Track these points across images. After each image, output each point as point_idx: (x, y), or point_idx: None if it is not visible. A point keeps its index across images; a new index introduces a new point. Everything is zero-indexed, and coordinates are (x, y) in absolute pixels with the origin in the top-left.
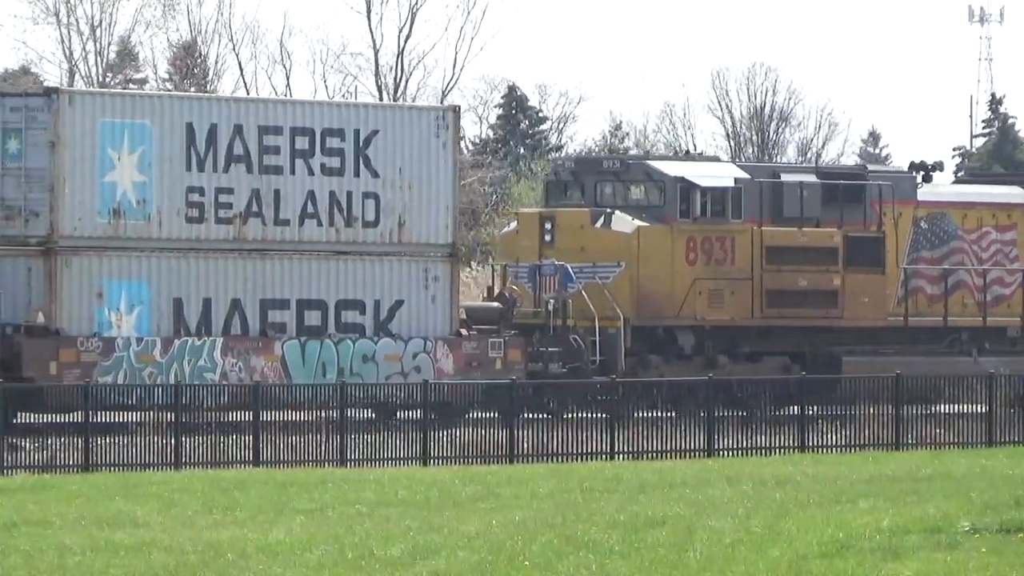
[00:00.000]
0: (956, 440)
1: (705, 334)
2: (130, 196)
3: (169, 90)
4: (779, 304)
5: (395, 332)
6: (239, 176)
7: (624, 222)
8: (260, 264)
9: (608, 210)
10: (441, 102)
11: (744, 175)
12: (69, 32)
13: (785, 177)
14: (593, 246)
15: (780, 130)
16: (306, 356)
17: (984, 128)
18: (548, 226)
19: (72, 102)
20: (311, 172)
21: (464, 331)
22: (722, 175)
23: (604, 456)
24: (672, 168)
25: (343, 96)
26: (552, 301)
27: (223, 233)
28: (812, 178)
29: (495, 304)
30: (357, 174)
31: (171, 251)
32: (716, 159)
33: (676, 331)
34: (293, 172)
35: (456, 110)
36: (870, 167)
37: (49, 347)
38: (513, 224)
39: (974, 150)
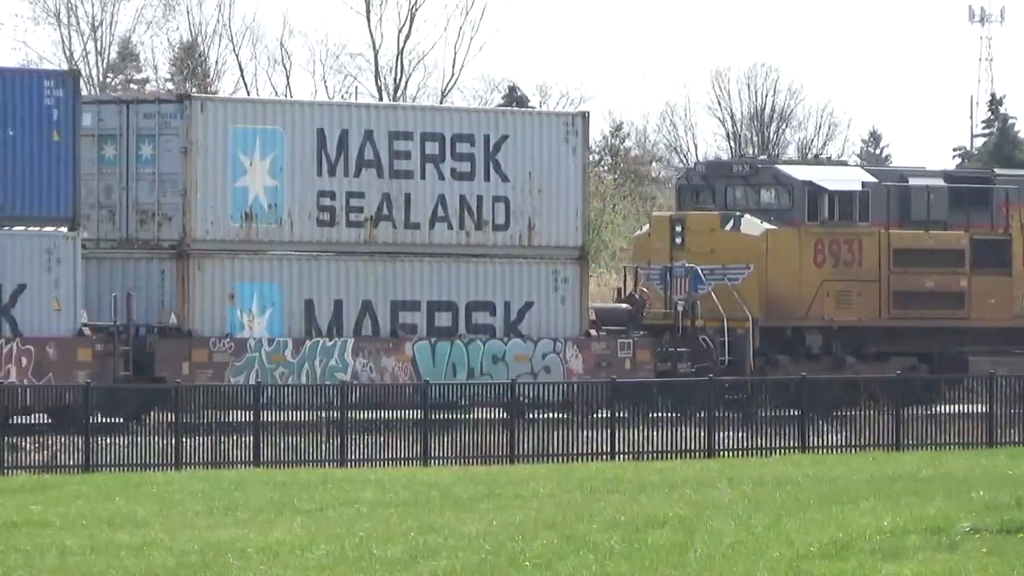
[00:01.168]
0: (956, 440)
1: (832, 334)
2: (262, 200)
3: (170, 90)
4: (906, 305)
5: (525, 333)
6: (370, 180)
7: (752, 225)
8: (391, 266)
9: (737, 213)
10: (440, 102)
11: (872, 179)
12: (70, 32)
13: (913, 181)
14: (722, 248)
15: (780, 130)
16: (436, 356)
17: (984, 128)
18: (679, 229)
19: (204, 108)
20: (441, 176)
21: (593, 332)
22: (850, 179)
23: (605, 456)
24: (800, 172)
25: (343, 97)
26: (682, 302)
27: (354, 236)
28: (939, 182)
29: (624, 305)
30: (487, 178)
31: (302, 254)
32: (844, 163)
33: (804, 331)
34: (423, 177)
35: (585, 116)
36: (997, 171)
37: (181, 348)
38: (646, 227)
39: (974, 150)
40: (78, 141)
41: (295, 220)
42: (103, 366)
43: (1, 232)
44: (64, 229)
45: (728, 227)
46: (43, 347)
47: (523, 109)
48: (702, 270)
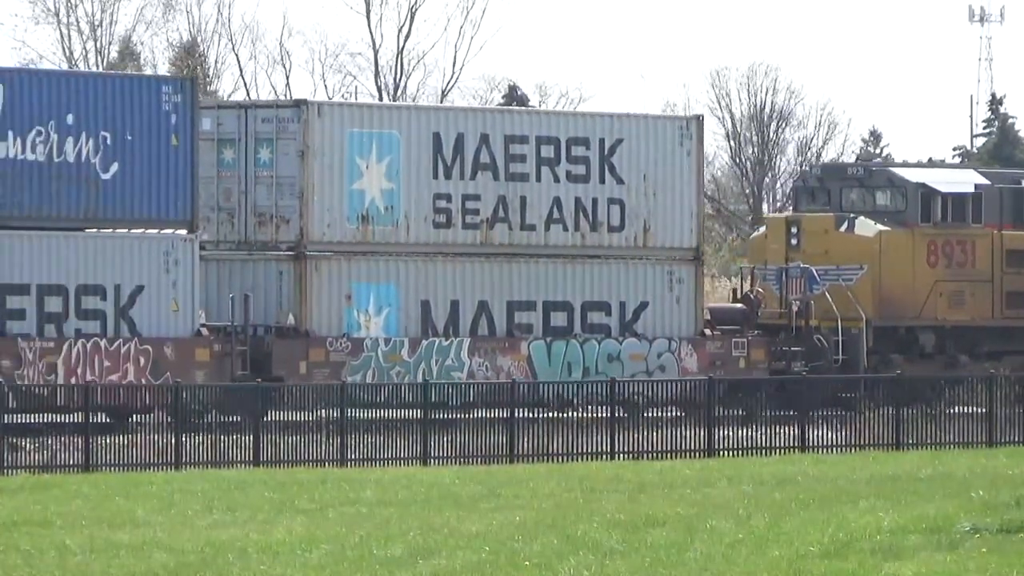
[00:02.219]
0: (956, 440)
1: (945, 334)
2: (378, 203)
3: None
4: (1019, 305)
5: (640, 332)
6: (486, 183)
7: (866, 227)
8: (507, 267)
9: (851, 215)
10: (440, 101)
11: (984, 181)
12: (69, 32)
13: None
14: (837, 249)
15: (780, 130)
16: (552, 355)
17: (984, 128)
18: (794, 230)
19: (321, 113)
20: (557, 179)
21: (708, 331)
22: (963, 181)
23: (604, 456)
24: (914, 175)
25: (343, 96)
26: (797, 302)
27: (470, 238)
28: None
29: (739, 305)
30: (602, 181)
31: (419, 255)
32: (957, 166)
33: (917, 331)
34: (539, 179)
35: (700, 120)
36: None
37: (299, 347)
38: (762, 228)
39: (974, 150)
40: (196, 145)
41: (411, 222)
42: (220, 366)
43: (120, 235)
44: (182, 231)
45: (842, 228)
46: (161, 347)
47: (638, 113)
48: (817, 270)
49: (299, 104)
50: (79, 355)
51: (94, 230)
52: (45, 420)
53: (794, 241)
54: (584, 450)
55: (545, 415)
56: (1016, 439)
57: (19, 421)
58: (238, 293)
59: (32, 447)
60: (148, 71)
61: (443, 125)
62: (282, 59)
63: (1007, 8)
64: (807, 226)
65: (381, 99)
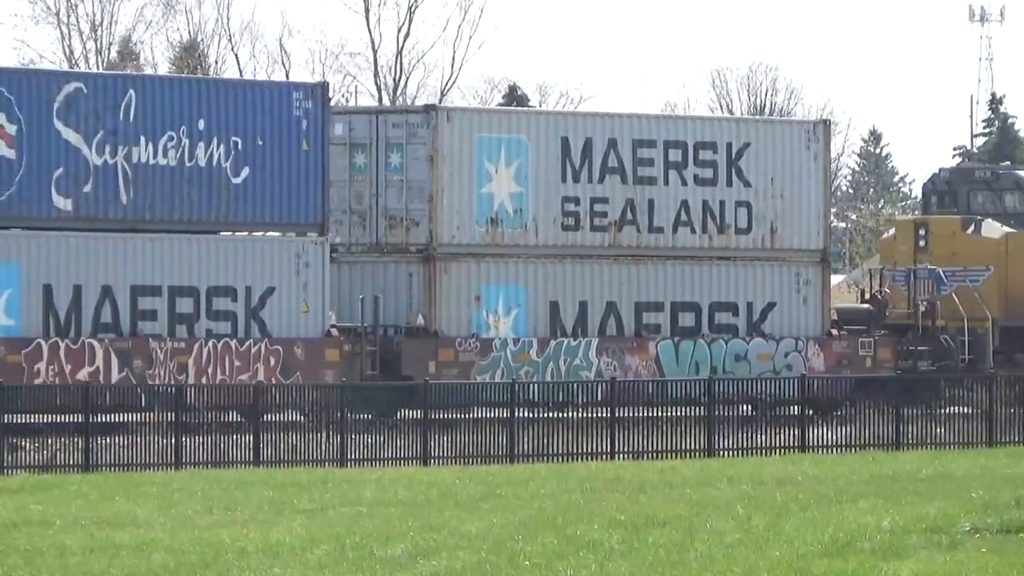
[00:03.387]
0: (956, 440)
1: None
2: (507, 206)
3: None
4: None
5: (767, 332)
6: (614, 186)
7: (993, 229)
8: (635, 269)
9: (978, 217)
10: (440, 101)
11: None
12: (69, 31)
13: None
14: (964, 251)
15: None
16: (680, 355)
17: (984, 128)
18: (922, 232)
19: (450, 118)
20: (684, 183)
21: (835, 331)
22: None
23: (604, 456)
24: None
25: (343, 97)
26: (924, 303)
27: (598, 240)
28: None
29: (866, 306)
30: (729, 184)
31: (547, 257)
32: None
33: None
34: (667, 183)
35: (827, 124)
36: None
37: (428, 347)
38: (892, 231)
39: (974, 150)
40: (327, 150)
41: (540, 225)
42: (350, 366)
43: (251, 238)
44: (313, 234)
45: (969, 231)
46: (291, 347)
47: (765, 117)
48: (944, 272)
49: (429, 110)
50: (209, 355)
51: (225, 233)
52: (45, 420)
53: (922, 243)
54: (584, 450)
55: (545, 415)
56: (1016, 439)
57: (21, 421)
58: (368, 294)
59: (32, 447)
60: (148, 71)
61: (571, 130)
62: (282, 59)
63: (1007, 8)
64: (935, 228)
65: (380, 99)
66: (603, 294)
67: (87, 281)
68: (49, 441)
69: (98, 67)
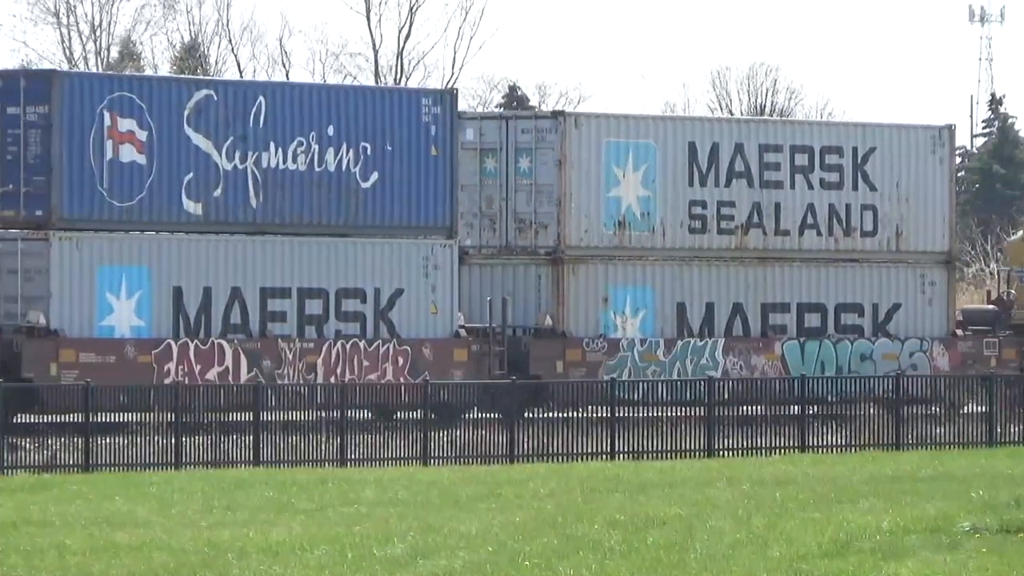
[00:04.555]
0: (956, 440)
1: None
2: (634, 209)
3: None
4: None
5: (892, 332)
6: (740, 190)
7: None
8: (761, 271)
9: None
10: None
11: None
12: (69, 32)
13: None
14: None
15: None
16: (805, 355)
17: (984, 128)
18: None
19: (578, 124)
20: (810, 186)
21: (959, 332)
22: None
23: (604, 456)
24: None
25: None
26: None
27: (725, 243)
28: None
29: (991, 307)
30: (855, 187)
31: (674, 260)
32: None
33: None
34: (793, 186)
35: (952, 129)
36: None
37: (556, 348)
38: (1020, 232)
39: (974, 150)
40: (455, 155)
41: (667, 228)
42: (478, 366)
43: (380, 241)
44: (442, 238)
45: None
46: (419, 348)
47: (891, 123)
48: None
49: (557, 115)
50: (338, 355)
51: (354, 236)
52: (45, 420)
53: None
54: (584, 450)
55: (545, 415)
56: (1016, 439)
57: (21, 421)
58: (497, 296)
59: (32, 447)
60: (148, 71)
61: (698, 135)
62: (282, 60)
63: (1007, 8)
64: None
65: None
66: (730, 295)
67: (217, 283)
68: (49, 441)
69: (98, 68)
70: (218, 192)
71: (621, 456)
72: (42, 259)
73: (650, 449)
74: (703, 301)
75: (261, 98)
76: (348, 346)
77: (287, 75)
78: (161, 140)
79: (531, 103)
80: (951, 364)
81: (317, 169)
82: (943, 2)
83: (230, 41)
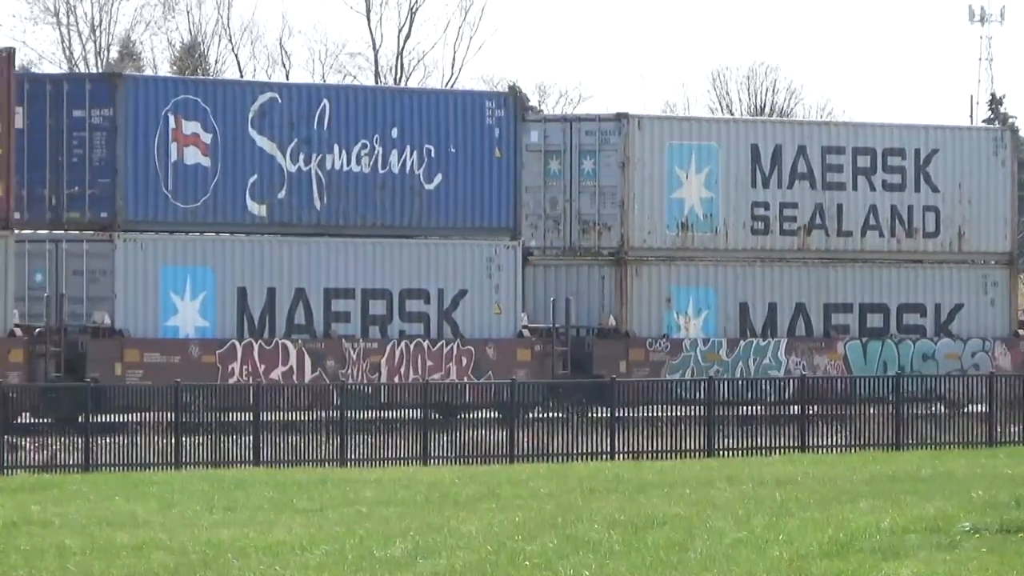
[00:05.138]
0: (956, 440)
1: None
2: (697, 211)
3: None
4: None
5: (955, 333)
6: (803, 192)
7: None
8: (823, 272)
9: None
10: None
11: None
12: (69, 32)
13: None
14: None
15: None
16: (868, 355)
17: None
18: None
19: (641, 126)
20: (872, 188)
21: (1022, 331)
22: None
23: (604, 456)
24: None
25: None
26: None
27: (787, 244)
28: None
29: None
30: (917, 189)
31: (737, 260)
32: None
33: None
34: (855, 188)
35: (1014, 131)
36: None
37: (619, 347)
38: None
39: None
40: (519, 157)
41: (730, 229)
42: (542, 365)
43: (444, 242)
44: (506, 239)
45: None
46: (483, 348)
47: (953, 125)
48: None
49: (620, 117)
50: (402, 355)
51: (418, 238)
52: (45, 420)
53: None
54: (584, 450)
55: (545, 415)
56: (1016, 439)
57: (20, 421)
58: (560, 296)
59: (32, 447)
60: (148, 72)
61: (761, 137)
62: (282, 60)
63: (1007, 8)
64: None
65: None
66: (792, 296)
67: (281, 284)
68: (49, 441)
69: (97, 68)
70: (282, 194)
71: (621, 456)
72: (107, 260)
73: (650, 449)
74: (766, 301)
75: (325, 101)
76: (412, 346)
77: (287, 75)
78: (225, 142)
79: (531, 103)
80: (1013, 364)
81: (381, 171)
82: (943, 2)
83: (230, 41)
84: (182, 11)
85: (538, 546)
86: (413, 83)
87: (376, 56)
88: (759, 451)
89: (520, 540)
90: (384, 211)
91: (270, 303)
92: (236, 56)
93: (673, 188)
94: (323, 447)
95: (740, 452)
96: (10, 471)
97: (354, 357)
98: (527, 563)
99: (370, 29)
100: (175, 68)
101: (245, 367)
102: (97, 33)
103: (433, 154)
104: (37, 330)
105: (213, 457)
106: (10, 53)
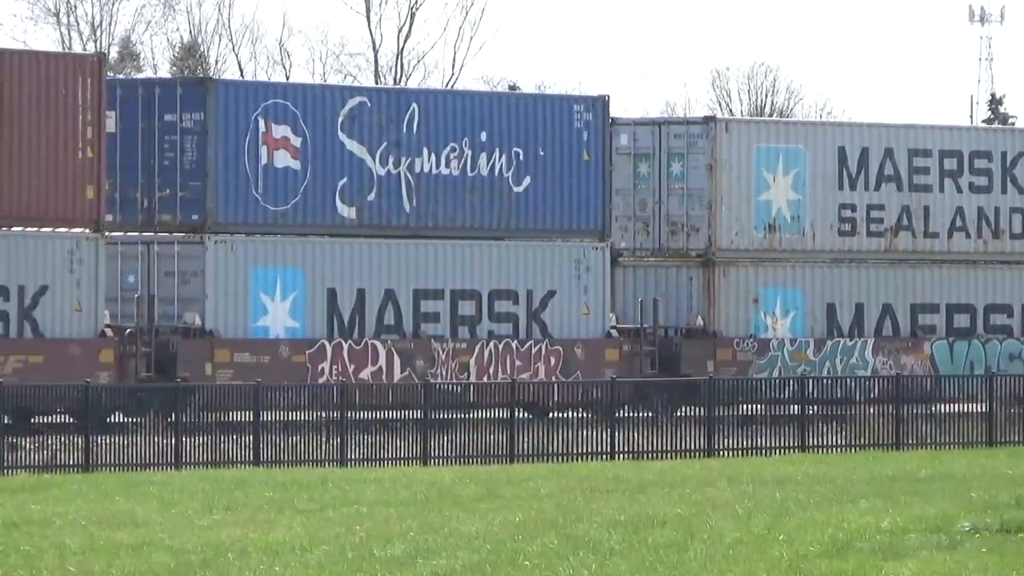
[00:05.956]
0: (956, 440)
1: None
2: (784, 213)
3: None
4: None
5: None
6: (889, 194)
7: None
8: (910, 273)
9: None
10: None
11: None
12: (69, 32)
13: None
14: None
15: None
16: (954, 354)
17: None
18: None
19: (729, 129)
20: (959, 190)
21: None
22: None
23: (604, 456)
24: None
25: None
26: None
27: (874, 245)
28: None
29: None
30: (1004, 191)
31: (823, 261)
32: None
33: None
34: (942, 190)
35: None
36: None
37: (707, 347)
38: None
39: None
40: (607, 161)
41: (817, 230)
42: (629, 365)
43: (532, 244)
44: (594, 240)
45: None
46: (571, 347)
47: None
48: None
49: (708, 121)
50: (491, 355)
51: (507, 239)
52: (45, 420)
53: None
54: (584, 450)
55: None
56: (1016, 439)
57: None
58: (648, 297)
59: (32, 447)
60: (148, 72)
61: (847, 140)
62: (282, 60)
63: (1007, 8)
64: None
65: None
66: (879, 296)
67: (370, 285)
68: (49, 441)
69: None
70: (372, 196)
71: (621, 456)
72: (198, 262)
73: (650, 449)
74: (852, 302)
75: (414, 105)
76: (500, 346)
77: (287, 75)
78: (315, 146)
79: None
80: None
81: (470, 174)
82: (943, 2)
83: (230, 41)
84: (182, 11)
85: (538, 546)
86: (413, 84)
87: (376, 56)
88: (759, 451)
89: (520, 540)
90: (473, 213)
91: (360, 304)
92: (236, 56)
93: (760, 190)
94: (323, 447)
95: (740, 452)
96: (10, 471)
97: (443, 357)
98: (527, 563)
99: (370, 29)
100: (175, 68)
101: (335, 367)
102: (97, 33)
103: (522, 157)
104: (128, 331)
105: (213, 457)
106: (100, 58)
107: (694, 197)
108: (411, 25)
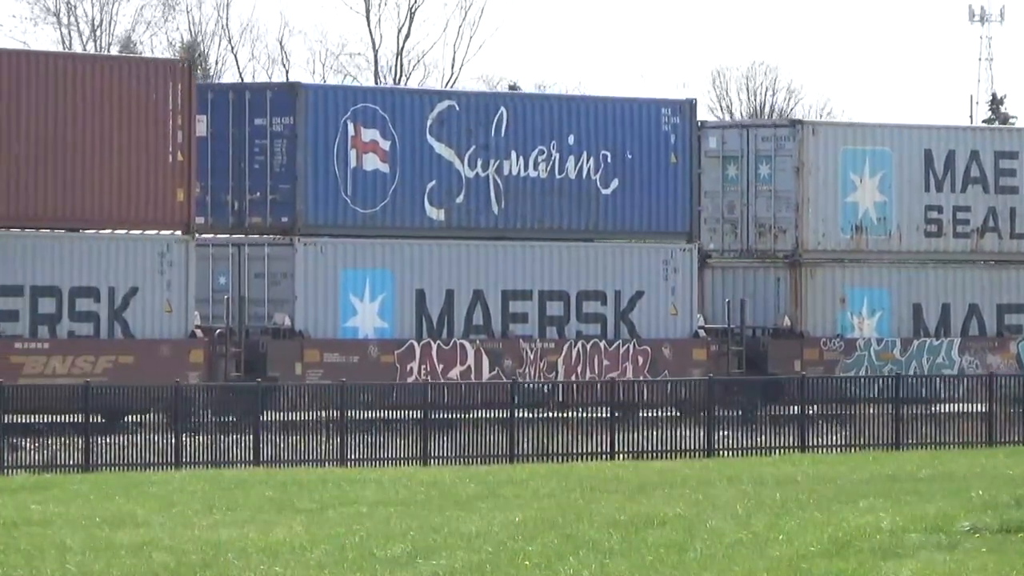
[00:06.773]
0: (956, 440)
1: None
2: (871, 214)
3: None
4: None
5: None
6: (975, 195)
7: None
8: (996, 273)
9: None
10: None
11: None
12: (69, 32)
13: None
14: None
15: None
16: None
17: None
18: None
19: (816, 132)
20: None
21: None
22: None
23: (604, 456)
24: None
25: None
26: None
27: (960, 246)
28: None
29: None
30: None
31: (910, 262)
32: None
33: None
34: None
35: None
36: None
37: (793, 347)
38: None
39: None
40: (695, 163)
41: (903, 232)
42: (716, 364)
43: (620, 245)
44: (681, 242)
45: None
46: (659, 347)
47: None
48: None
49: (795, 124)
50: (579, 355)
51: (595, 241)
52: (45, 420)
53: None
54: (584, 450)
55: (545, 415)
56: (1016, 439)
57: (20, 421)
58: (736, 297)
59: (32, 447)
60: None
61: (934, 142)
62: (282, 59)
63: (1007, 8)
64: None
65: None
66: (965, 297)
67: (459, 286)
68: (49, 441)
69: None
70: (460, 199)
71: (621, 456)
72: (287, 263)
73: (650, 449)
74: (939, 302)
75: (502, 109)
76: (588, 346)
77: (287, 75)
78: (404, 149)
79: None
80: None
81: (558, 176)
82: (943, 2)
83: (230, 41)
84: (182, 11)
85: (538, 546)
86: (413, 84)
87: (376, 56)
88: (759, 451)
89: (520, 540)
90: (561, 215)
91: (448, 304)
92: (236, 56)
93: (847, 192)
94: (323, 447)
95: (740, 452)
96: (10, 471)
97: (531, 357)
98: (527, 563)
99: (370, 29)
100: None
101: (423, 367)
102: (97, 33)
103: (610, 160)
104: (218, 331)
105: (213, 457)
106: (190, 64)
107: (781, 199)
108: (411, 25)
